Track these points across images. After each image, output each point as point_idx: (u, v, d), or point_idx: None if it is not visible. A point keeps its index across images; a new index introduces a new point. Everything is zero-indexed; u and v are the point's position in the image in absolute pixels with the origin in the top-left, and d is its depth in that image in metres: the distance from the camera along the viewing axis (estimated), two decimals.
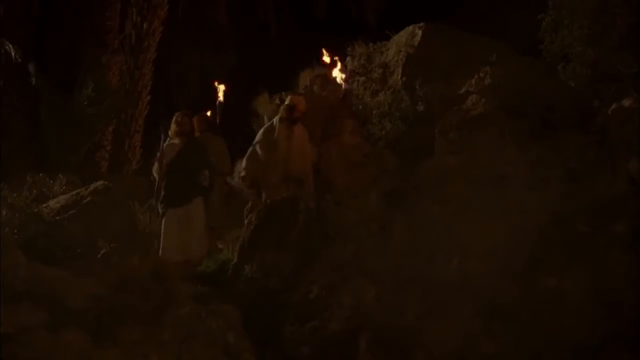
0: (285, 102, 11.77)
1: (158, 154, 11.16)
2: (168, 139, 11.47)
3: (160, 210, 10.84)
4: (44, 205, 11.09)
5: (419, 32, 13.50)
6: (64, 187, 12.24)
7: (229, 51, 25.04)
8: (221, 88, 12.60)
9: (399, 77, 13.19)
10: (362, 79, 13.69)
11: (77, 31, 19.16)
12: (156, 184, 11.01)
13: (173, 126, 11.48)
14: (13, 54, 16.34)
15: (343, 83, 12.05)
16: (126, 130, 19.25)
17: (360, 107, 12.84)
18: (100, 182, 11.74)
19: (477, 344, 8.74)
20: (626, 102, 11.82)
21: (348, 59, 14.36)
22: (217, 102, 12.58)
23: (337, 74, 12.48)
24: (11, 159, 15.83)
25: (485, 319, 9.38)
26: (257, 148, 11.54)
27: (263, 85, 13.72)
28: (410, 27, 13.87)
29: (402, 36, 13.82)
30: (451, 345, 8.53)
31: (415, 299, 9.25)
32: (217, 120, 12.37)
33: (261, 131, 11.82)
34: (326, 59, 12.75)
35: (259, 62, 23.04)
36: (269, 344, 8.19)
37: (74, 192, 11.52)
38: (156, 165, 11.14)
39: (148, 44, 19.79)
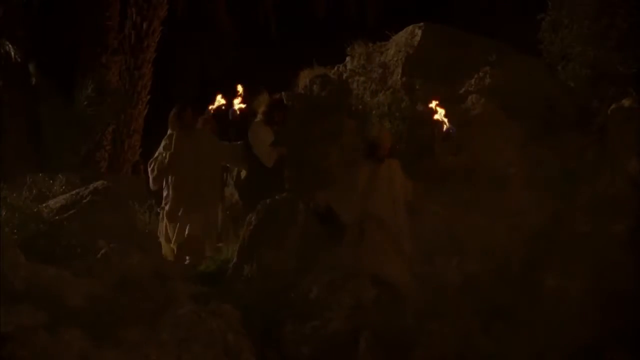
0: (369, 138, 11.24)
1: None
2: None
3: None
4: (44, 205, 11.07)
5: (419, 32, 13.48)
6: (63, 187, 12.20)
7: (228, 51, 25.03)
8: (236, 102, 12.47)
9: (399, 77, 13.17)
10: (362, 79, 13.66)
11: (77, 31, 19.15)
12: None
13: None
14: (13, 53, 16.32)
15: (444, 123, 11.08)
16: (126, 130, 19.22)
17: (360, 107, 12.82)
18: (100, 182, 11.70)
19: (477, 344, 8.75)
20: (626, 102, 11.83)
21: (347, 58, 14.35)
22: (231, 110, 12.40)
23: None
24: (11, 159, 15.80)
25: (485, 318, 9.38)
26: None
27: (262, 85, 13.69)
28: (410, 27, 13.84)
29: (401, 36, 13.80)
30: (451, 345, 8.54)
31: (415, 298, 9.26)
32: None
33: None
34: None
35: (258, 62, 23.03)
36: (269, 343, 8.20)
37: (74, 192, 11.49)
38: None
39: (148, 44, 19.77)
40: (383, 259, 10.02)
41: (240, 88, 12.23)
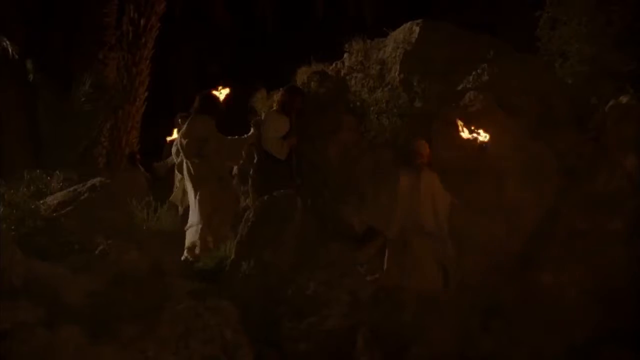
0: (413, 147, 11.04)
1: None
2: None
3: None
4: (41, 201, 11.06)
5: (417, 29, 13.47)
6: (61, 184, 12.19)
7: (226, 47, 25.05)
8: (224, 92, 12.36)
9: (397, 73, 13.15)
10: (360, 75, 13.65)
11: (75, 27, 19.15)
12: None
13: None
14: (10, 50, 16.33)
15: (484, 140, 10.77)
16: (124, 127, 19.25)
17: (358, 103, 12.81)
18: (97, 179, 11.70)
19: (475, 341, 8.76)
20: (623, 99, 11.84)
21: (345, 55, 14.35)
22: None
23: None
24: (8, 156, 15.83)
25: (483, 315, 9.39)
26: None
27: (261, 82, 13.69)
28: (408, 24, 13.83)
29: (399, 33, 13.79)
30: (449, 342, 8.54)
31: (413, 295, 9.26)
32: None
33: None
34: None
35: (256, 59, 23.05)
36: (266, 340, 8.19)
37: (72, 188, 11.49)
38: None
39: (145, 40, 19.80)
40: (427, 273, 10.12)
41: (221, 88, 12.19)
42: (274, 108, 11.73)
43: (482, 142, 10.62)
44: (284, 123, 11.47)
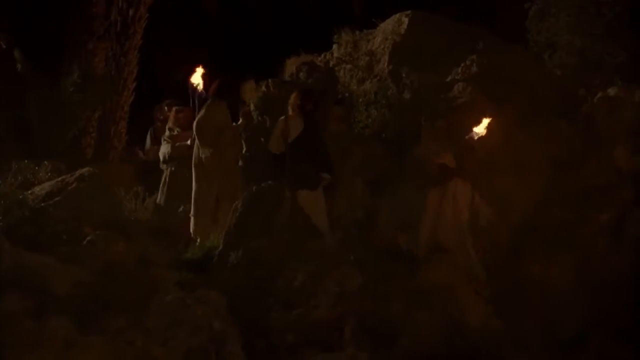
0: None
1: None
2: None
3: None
4: (29, 191, 11.03)
5: (406, 20, 13.48)
6: (49, 174, 12.15)
7: (215, 37, 24.98)
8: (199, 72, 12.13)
9: (386, 65, 13.17)
10: (349, 66, 13.66)
11: (63, 17, 19.04)
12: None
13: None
14: None
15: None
16: (112, 117, 19.14)
17: (347, 94, 12.81)
18: (85, 169, 11.66)
19: (464, 332, 8.77)
20: (612, 91, 11.87)
21: (334, 46, 14.34)
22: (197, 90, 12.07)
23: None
24: None
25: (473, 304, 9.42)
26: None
27: (250, 73, 13.67)
28: (397, 15, 13.85)
29: (388, 24, 13.80)
30: (438, 333, 8.56)
31: (401, 286, 9.27)
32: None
33: None
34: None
35: (245, 49, 22.99)
36: (254, 331, 8.19)
37: (59, 178, 11.45)
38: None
39: (134, 30, 19.65)
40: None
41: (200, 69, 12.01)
42: (290, 112, 11.03)
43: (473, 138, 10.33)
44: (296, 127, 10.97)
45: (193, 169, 11.31)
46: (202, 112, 11.33)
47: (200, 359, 6.83)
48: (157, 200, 12.19)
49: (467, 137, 10.22)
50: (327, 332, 8.41)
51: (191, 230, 11.15)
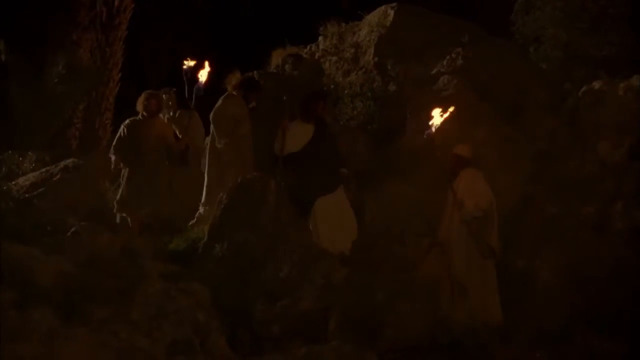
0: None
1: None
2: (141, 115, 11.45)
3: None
4: (13, 182, 11.02)
5: (391, 13, 13.49)
6: (33, 165, 12.15)
7: (200, 28, 24.95)
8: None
9: (371, 57, 13.18)
10: (334, 58, 13.68)
11: (48, 7, 19.00)
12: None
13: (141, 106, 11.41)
14: None
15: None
16: (97, 108, 19.10)
17: (332, 86, 12.82)
18: (70, 160, 11.64)
19: (447, 324, 8.79)
20: (596, 85, 11.90)
21: (320, 38, 14.34)
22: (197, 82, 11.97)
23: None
24: None
25: (455, 299, 9.44)
26: None
27: (235, 64, 13.64)
28: (383, 7, 13.86)
29: (374, 16, 13.81)
30: (421, 324, 8.57)
31: (386, 278, 9.28)
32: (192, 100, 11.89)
33: None
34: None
35: (230, 40, 22.97)
36: (239, 322, 8.19)
37: (44, 169, 11.44)
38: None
39: (119, 21, 19.62)
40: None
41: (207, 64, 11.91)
42: (298, 119, 10.84)
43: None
44: (307, 133, 10.80)
45: (207, 158, 11.25)
46: (219, 102, 11.24)
47: (184, 350, 6.82)
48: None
49: (425, 132, 9.98)
50: (312, 323, 8.41)
51: (197, 218, 11.10)
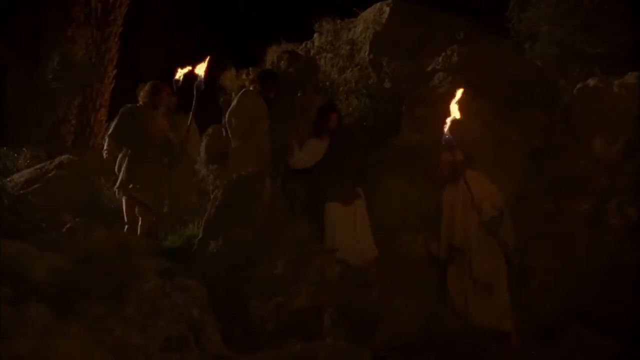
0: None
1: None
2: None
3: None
4: (8, 179, 11.03)
5: (387, 10, 13.49)
6: (28, 161, 12.16)
7: (196, 25, 24.93)
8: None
9: (366, 54, 13.19)
10: (329, 55, 13.67)
11: (43, 3, 18.97)
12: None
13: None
14: None
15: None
16: (92, 104, 19.07)
17: (327, 83, 12.82)
18: (65, 156, 11.65)
19: (442, 321, 8.80)
20: (591, 82, 11.90)
21: (315, 35, 14.34)
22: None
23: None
24: None
25: (450, 296, 9.45)
26: None
27: (230, 61, 13.63)
28: (378, 4, 13.86)
29: (369, 13, 13.82)
30: (415, 322, 8.58)
31: (381, 275, 9.29)
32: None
33: None
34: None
35: (225, 37, 22.95)
36: (234, 319, 8.20)
37: (39, 165, 11.45)
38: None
39: (114, 17, 19.59)
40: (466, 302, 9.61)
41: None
42: (313, 137, 10.69)
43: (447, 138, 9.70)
44: (321, 149, 10.64)
45: (229, 157, 11.18)
46: (234, 101, 11.16)
47: (179, 346, 6.83)
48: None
49: (443, 139, 9.83)
50: (306, 320, 8.42)
51: None
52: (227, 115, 11.09)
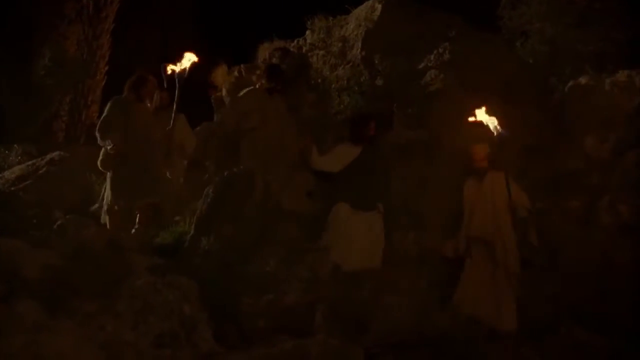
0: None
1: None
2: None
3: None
4: None
5: (379, 7, 13.50)
6: (19, 158, 12.14)
7: (188, 22, 24.92)
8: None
9: (359, 51, 13.19)
10: (322, 52, 13.68)
11: (35, 0, 18.97)
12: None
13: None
14: None
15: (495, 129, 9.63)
16: (83, 101, 19.06)
17: (319, 80, 12.83)
18: (56, 153, 11.63)
19: (433, 318, 8.80)
20: (583, 80, 11.93)
21: (308, 32, 14.34)
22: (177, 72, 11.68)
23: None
24: None
25: (442, 293, 9.45)
26: None
27: (221, 57, 13.63)
28: (370, 2, 13.87)
29: (361, 10, 13.82)
30: (407, 319, 8.58)
31: (372, 272, 9.29)
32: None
33: None
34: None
35: (217, 34, 22.95)
36: (225, 316, 8.19)
37: (30, 162, 11.44)
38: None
39: (106, 14, 19.60)
40: (481, 295, 9.61)
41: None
42: (347, 140, 10.40)
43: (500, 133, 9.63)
44: (351, 155, 10.32)
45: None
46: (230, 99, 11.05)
47: (170, 343, 6.82)
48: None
49: (497, 134, 9.79)
50: (298, 317, 8.42)
51: None
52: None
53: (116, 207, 10.66)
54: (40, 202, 9.91)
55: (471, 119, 9.60)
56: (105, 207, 10.63)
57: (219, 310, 8.02)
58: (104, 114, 10.78)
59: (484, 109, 9.66)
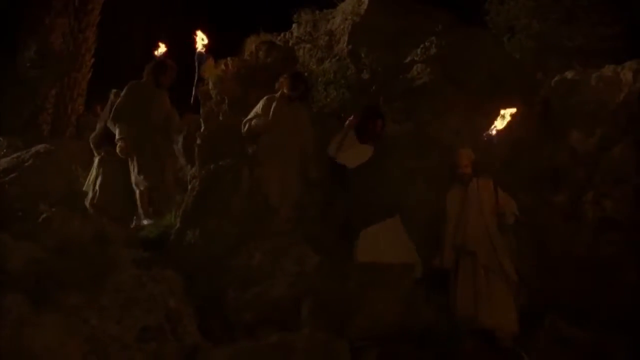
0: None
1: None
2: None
3: None
4: None
5: (365, 1, 13.47)
6: (5, 150, 12.09)
7: (174, 14, 24.85)
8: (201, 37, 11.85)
9: (345, 45, 13.16)
10: (308, 46, 13.64)
11: None
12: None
13: None
14: None
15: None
16: (69, 94, 19.02)
17: (306, 74, 12.80)
18: (42, 146, 11.58)
19: (418, 312, 8.82)
20: (569, 75, 11.95)
21: (294, 25, 14.31)
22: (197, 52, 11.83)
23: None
24: None
25: (426, 287, 9.45)
26: None
27: (208, 51, 13.59)
28: None
29: (348, 4, 13.79)
30: (392, 313, 8.59)
31: (358, 266, 9.29)
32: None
33: None
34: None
35: (204, 27, 22.89)
36: (211, 309, 8.20)
37: (15, 155, 11.38)
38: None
39: (92, 6, 19.56)
40: (477, 303, 9.53)
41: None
42: (356, 140, 10.30)
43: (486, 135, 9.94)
44: (365, 153, 10.28)
45: None
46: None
47: (155, 336, 6.82)
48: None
49: (485, 133, 9.91)
50: (284, 311, 8.43)
51: None
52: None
53: (141, 188, 11.06)
54: (25, 194, 9.89)
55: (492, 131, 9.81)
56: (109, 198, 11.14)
57: (205, 304, 8.03)
58: (118, 101, 11.04)
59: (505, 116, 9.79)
